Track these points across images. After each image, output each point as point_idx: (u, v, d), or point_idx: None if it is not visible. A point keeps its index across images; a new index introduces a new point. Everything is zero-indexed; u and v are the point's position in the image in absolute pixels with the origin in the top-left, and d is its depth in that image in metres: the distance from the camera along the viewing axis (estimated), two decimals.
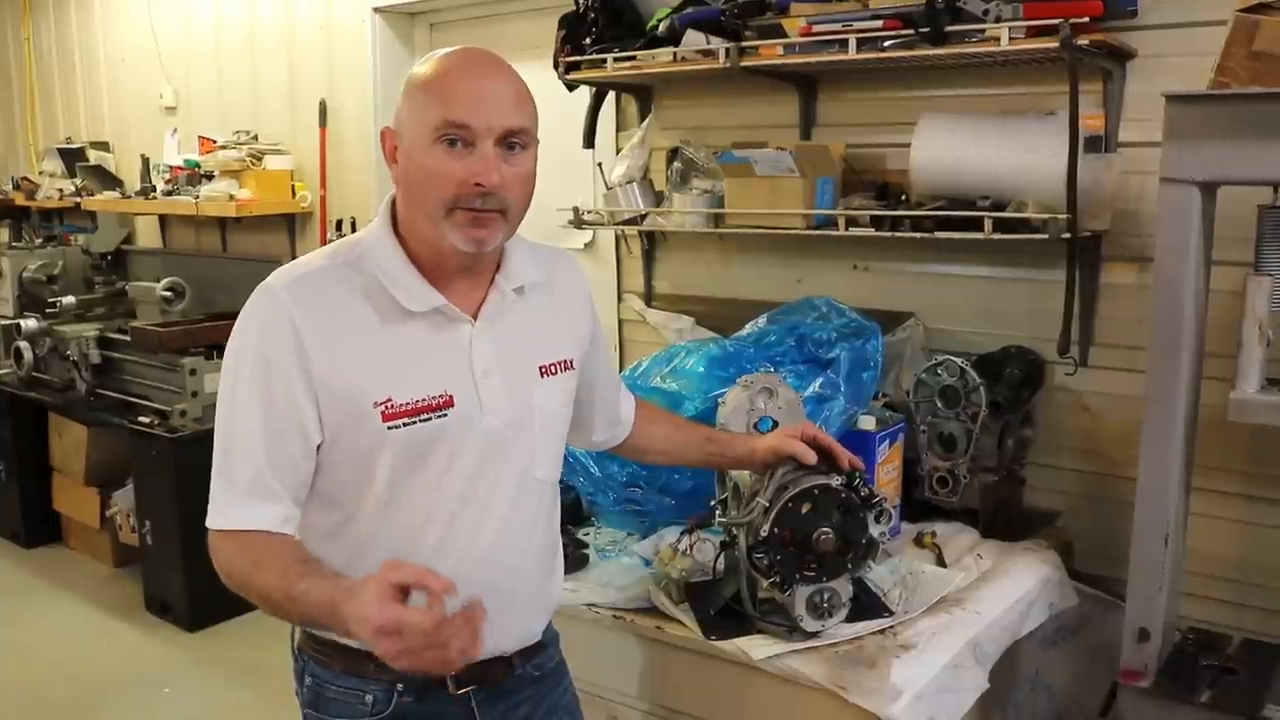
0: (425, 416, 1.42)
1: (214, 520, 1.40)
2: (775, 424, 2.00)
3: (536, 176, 1.48)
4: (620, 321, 3.51)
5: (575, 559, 2.21)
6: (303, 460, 1.42)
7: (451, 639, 1.18)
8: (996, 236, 2.38)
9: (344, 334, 1.41)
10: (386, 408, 1.40)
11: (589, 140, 3.25)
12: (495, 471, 1.50)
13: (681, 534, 2.14)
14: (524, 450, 1.53)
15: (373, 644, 1.19)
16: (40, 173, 5.83)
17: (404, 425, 1.41)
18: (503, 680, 1.58)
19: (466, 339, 1.48)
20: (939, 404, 2.44)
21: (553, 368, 1.57)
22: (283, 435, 1.39)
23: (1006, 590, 2.18)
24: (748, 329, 2.64)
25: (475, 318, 1.49)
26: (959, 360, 2.42)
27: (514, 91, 1.42)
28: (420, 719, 1.52)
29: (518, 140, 1.41)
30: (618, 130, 3.40)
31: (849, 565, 1.86)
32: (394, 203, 1.50)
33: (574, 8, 3.02)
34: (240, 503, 1.39)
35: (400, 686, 1.50)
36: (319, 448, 1.43)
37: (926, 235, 2.50)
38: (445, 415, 1.44)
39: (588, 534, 2.41)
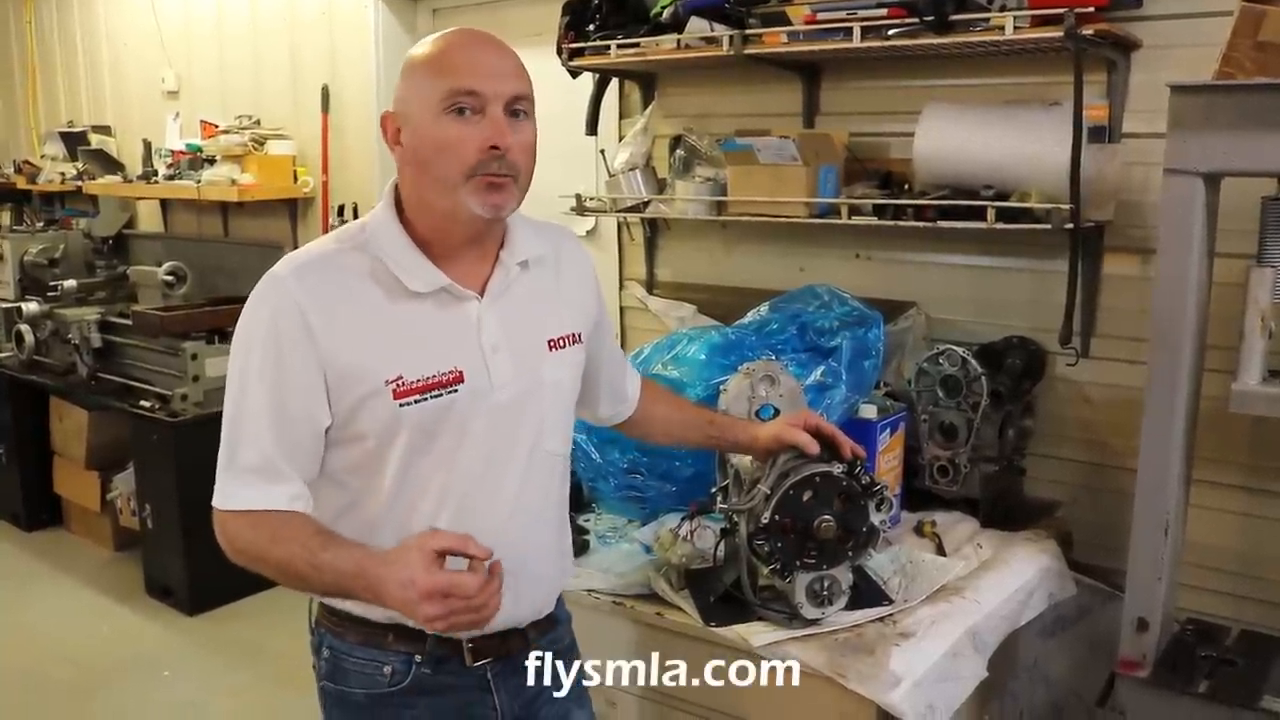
0: (436, 393, 1.44)
1: (221, 501, 1.43)
2: (777, 412, 2.00)
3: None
4: (622, 309, 3.50)
5: (576, 545, 2.20)
6: (311, 442, 1.44)
7: (489, 599, 1.28)
8: (999, 226, 2.38)
9: (352, 316, 1.43)
10: (398, 385, 1.42)
11: (592, 127, 3.24)
12: (507, 445, 1.52)
13: (682, 521, 2.14)
14: (534, 423, 1.55)
15: (415, 608, 1.27)
16: (42, 156, 5.82)
17: (416, 402, 1.43)
18: (518, 653, 1.61)
19: (474, 315, 1.50)
20: (940, 393, 2.44)
21: (561, 341, 1.59)
22: (291, 419, 1.42)
23: (1006, 580, 2.19)
24: (749, 317, 2.64)
25: (481, 294, 1.51)
26: (961, 350, 2.42)
27: (514, 61, 1.46)
28: (437, 690, 1.54)
29: (521, 108, 1.44)
30: (620, 117, 3.40)
31: (849, 553, 1.86)
32: (395, 187, 1.52)
33: None
34: (247, 483, 1.41)
35: (419, 658, 1.53)
36: (329, 430, 1.45)
37: (929, 224, 2.50)
38: (456, 391, 1.46)
39: (588, 520, 2.42)
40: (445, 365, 1.45)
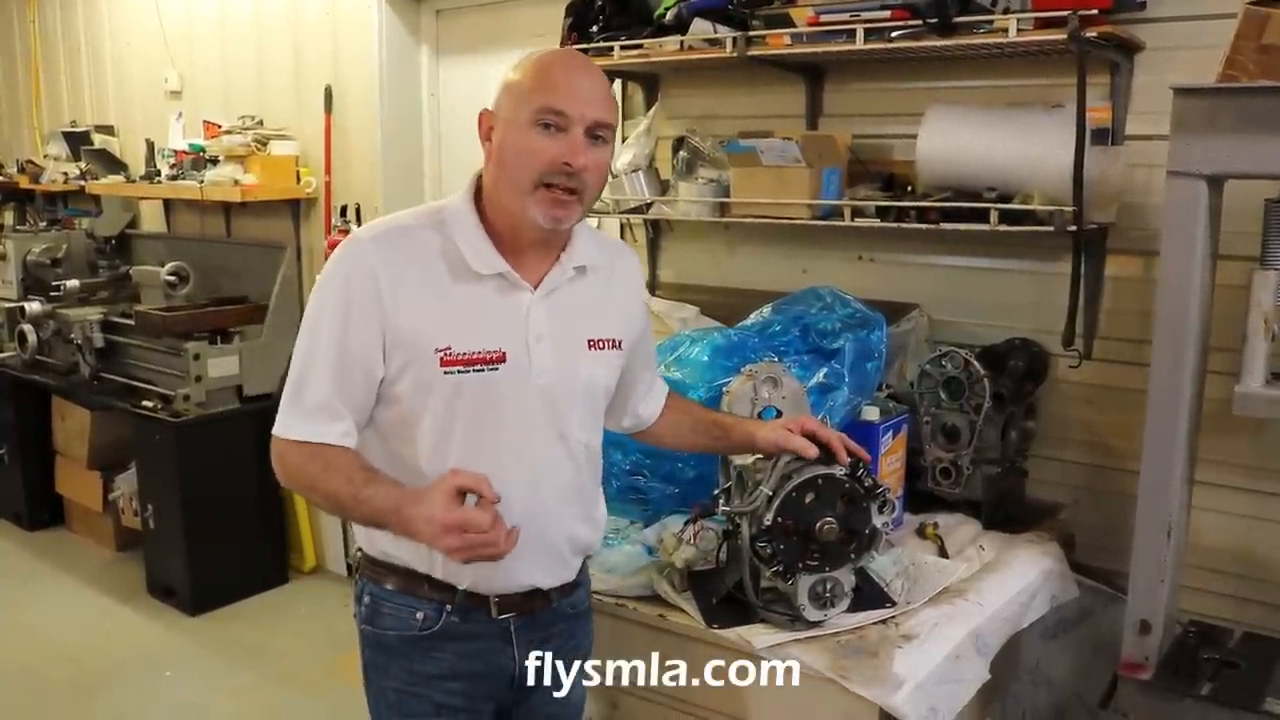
0: (479, 368, 1.59)
1: (283, 430, 1.59)
2: (779, 414, 2.00)
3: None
4: None
5: None
6: (365, 390, 1.60)
7: (500, 536, 1.44)
8: (1002, 228, 2.38)
9: (418, 285, 1.57)
10: (446, 354, 1.57)
11: None
12: (538, 426, 1.64)
13: (685, 523, 2.14)
14: (565, 411, 1.67)
15: (437, 540, 1.43)
16: (45, 156, 5.81)
17: (459, 372, 1.58)
18: (540, 612, 1.73)
19: (525, 305, 1.63)
20: (943, 395, 2.44)
21: (600, 343, 1.72)
22: (352, 368, 1.57)
23: (1008, 582, 2.19)
24: (752, 318, 2.63)
25: (536, 287, 1.64)
26: (963, 352, 2.42)
27: (605, 90, 1.60)
28: (464, 637, 1.68)
29: (601, 134, 1.58)
30: (623, 119, 3.39)
31: (852, 555, 1.87)
32: (478, 178, 1.65)
33: None
34: (310, 418, 1.57)
35: (449, 607, 1.66)
36: (381, 382, 1.60)
37: (932, 226, 2.51)
38: (496, 369, 1.59)
39: None
40: (491, 345, 1.59)
